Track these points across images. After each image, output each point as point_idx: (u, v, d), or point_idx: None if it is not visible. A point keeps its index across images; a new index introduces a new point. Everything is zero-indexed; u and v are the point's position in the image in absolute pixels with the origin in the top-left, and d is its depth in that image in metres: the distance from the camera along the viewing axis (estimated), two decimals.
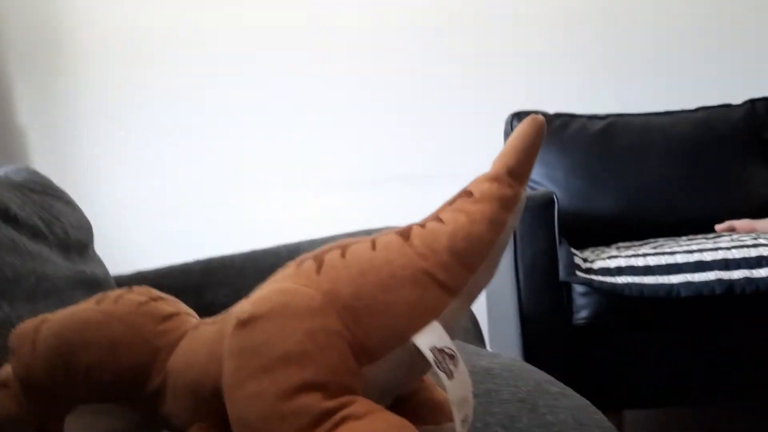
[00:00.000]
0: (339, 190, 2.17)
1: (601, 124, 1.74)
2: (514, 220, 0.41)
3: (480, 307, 1.72)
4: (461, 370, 0.38)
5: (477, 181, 0.42)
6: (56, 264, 0.89)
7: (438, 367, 0.37)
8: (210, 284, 1.29)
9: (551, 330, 1.29)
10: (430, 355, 0.37)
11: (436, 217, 0.42)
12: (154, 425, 0.46)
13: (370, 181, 2.16)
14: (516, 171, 0.41)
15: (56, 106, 2.24)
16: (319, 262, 0.41)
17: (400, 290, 0.39)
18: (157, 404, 0.44)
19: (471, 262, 0.40)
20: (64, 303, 0.86)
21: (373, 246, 0.41)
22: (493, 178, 0.41)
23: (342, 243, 0.42)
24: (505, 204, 0.40)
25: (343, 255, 0.41)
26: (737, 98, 1.82)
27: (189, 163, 2.22)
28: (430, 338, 0.38)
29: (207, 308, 1.43)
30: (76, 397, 0.45)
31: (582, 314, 1.27)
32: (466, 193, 0.42)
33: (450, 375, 0.37)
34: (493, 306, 1.62)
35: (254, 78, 2.21)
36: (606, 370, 1.29)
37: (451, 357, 0.38)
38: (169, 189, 2.22)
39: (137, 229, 2.20)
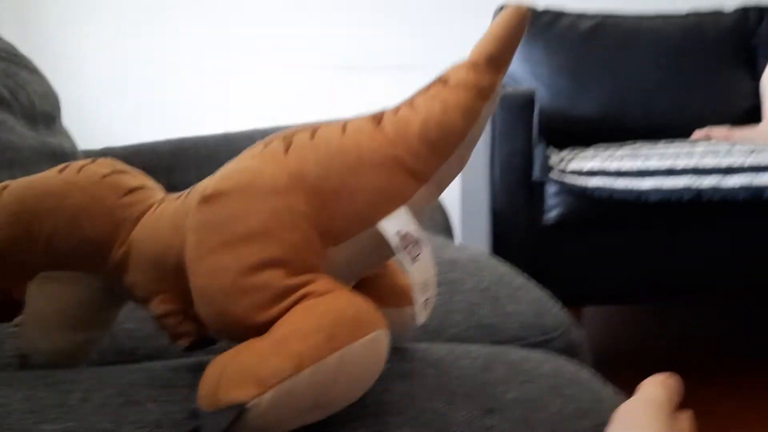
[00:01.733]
0: (320, 75, 2.12)
1: (589, 23, 1.70)
2: (489, 110, 0.40)
3: (452, 202, 1.73)
4: (425, 255, 0.38)
5: (454, 68, 0.40)
6: (21, 133, 0.87)
7: (402, 251, 0.37)
8: (180, 165, 1.27)
9: (521, 227, 1.31)
10: (394, 239, 0.37)
11: (410, 104, 0.41)
12: (118, 295, 0.46)
13: (353, 67, 2.11)
14: (495, 59, 0.39)
15: None
16: (287, 143, 0.40)
17: (368, 174, 0.38)
18: (120, 275, 0.44)
19: (442, 150, 0.39)
20: (28, 173, 0.85)
21: (344, 130, 0.40)
22: (471, 65, 0.40)
23: (312, 126, 0.41)
24: (481, 92, 0.39)
25: (312, 137, 0.40)
26: (730, 4, 1.78)
27: (167, 37, 2.13)
28: (396, 223, 0.38)
29: (178, 187, 1.42)
30: (38, 264, 0.44)
31: (552, 213, 1.28)
32: (441, 80, 0.40)
33: (414, 258, 0.38)
34: (466, 201, 1.63)
35: None
36: (571, 268, 1.33)
37: (416, 243, 0.38)
38: (143, 64, 2.15)
39: (108, 104, 2.15)
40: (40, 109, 0.97)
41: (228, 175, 0.38)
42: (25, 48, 1.14)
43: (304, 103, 2.10)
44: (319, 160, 0.38)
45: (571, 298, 1.34)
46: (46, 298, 0.45)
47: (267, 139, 0.42)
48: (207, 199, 0.37)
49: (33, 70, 1.05)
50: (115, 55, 2.14)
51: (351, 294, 0.36)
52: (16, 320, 0.46)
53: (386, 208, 0.38)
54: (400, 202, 0.39)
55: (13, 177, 0.78)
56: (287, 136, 0.41)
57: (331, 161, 0.38)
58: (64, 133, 1.08)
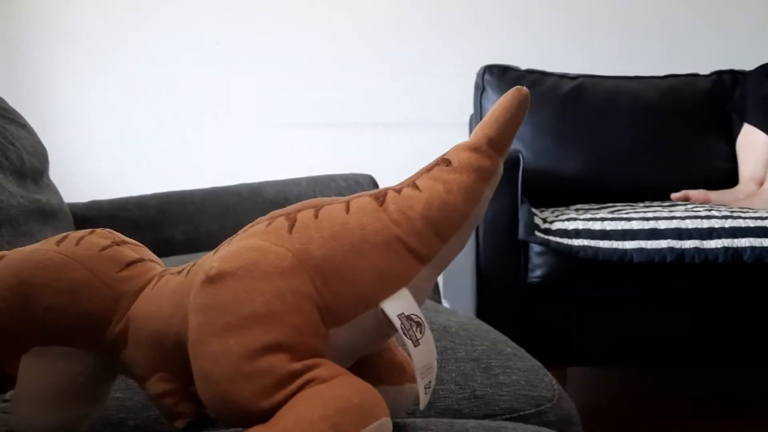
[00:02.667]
0: (305, 132, 2.14)
1: (571, 84, 1.75)
2: (490, 192, 0.41)
3: None
4: (427, 338, 0.38)
5: (456, 150, 0.41)
6: (10, 192, 0.87)
7: (404, 334, 0.37)
8: (168, 219, 1.26)
9: (506, 286, 1.31)
10: (397, 322, 0.37)
11: (413, 183, 0.41)
12: (114, 372, 0.46)
13: (338, 125, 2.14)
14: (496, 142, 0.40)
15: (12, 25, 2.13)
16: (292, 221, 0.40)
17: (371, 255, 0.38)
18: (117, 351, 0.43)
19: (444, 231, 0.40)
20: (18, 232, 0.84)
21: (347, 208, 0.41)
22: (473, 147, 0.40)
23: (315, 203, 0.42)
24: (483, 175, 0.40)
25: (316, 215, 0.40)
26: (707, 68, 1.84)
27: (153, 93, 2.15)
28: (398, 305, 0.38)
29: (165, 243, 1.41)
30: (33, 339, 0.44)
31: (537, 273, 1.29)
32: (444, 161, 0.41)
33: (416, 342, 0.38)
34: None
35: (229, 13, 2.13)
36: (556, 328, 1.34)
37: (418, 324, 0.38)
38: (130, 118, 2.16)
39: (94, 158, 2.14)
40: (29, 165, 0.97)
41: (232, 254, 0.38)
42: (12, 99, 1.14)
43: (288, 158, 2.11)
44: (324, 239, 0.38)
45: (555, 358, 1.34)
46: (40, 373, 0.44)
47: (270, 215, 0.42)
48: (212, 280, 0.37)
49: (22, 125, 1.05)
50: (104, 107, 2.15)
51: (355, 380, 0.35)
52: (8, 395, 0.45)
53: (389, 289, 0.39)
54: (403, 283, 0.39)
55: (2, 235, 0.77)
56: (291, 214, 0.41)
57: (336, 241, 0.38)
58: (52, 188, 1.07)
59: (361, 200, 0.41)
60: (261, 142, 2.14)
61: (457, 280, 1.53)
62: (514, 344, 0.72)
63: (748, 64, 1.80)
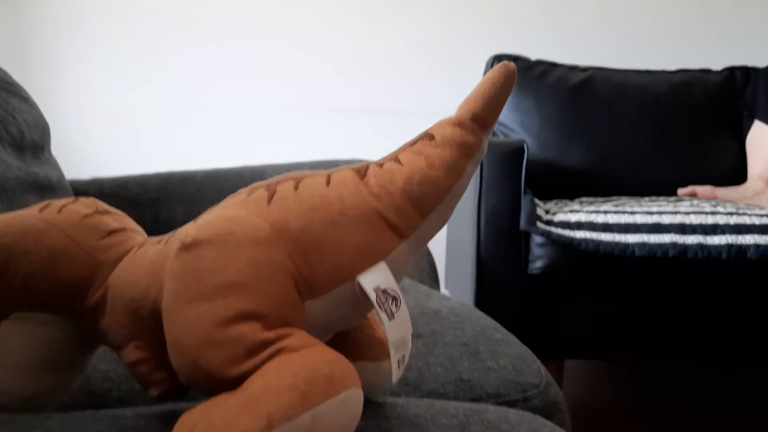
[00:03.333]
0: (313, 117, 2.14)
1: (581, 76, 1.73)
2: (472, 168, 0.41)
3: (439, 248, 1.74)
4: (402, 313, 0.38)
5: (440, 125, 0.41)
6: (8, 164, 0.87)
7: (380, 307, 0.37)
8: (167, 199, 1.26)
9: (505, 277, 1.31)
10: (372, 295, 0.37)
11: (395, 158, 0.41)
12: (91, 339, 0.46)
13: (346, 111, 2.13)
14: (481, 117, 0.40)
15: (19, 5, 2.13)
16: (271, 192, 0.40)
17: (349, 228, 0.38)
18: (96, 319, 0.43)
19: (425, 206, 0.39)
20: (13, 204, 0.84)
21: (328, 181, 0.40)
22: (457, 122, 0.40)
23: (296, 175, 0.41)
24: (466, 150, 0.40)
25: (296, 187, 0.40)
26: (719, 64, 1.82)
27: (157, 75, 2.15)
28: (375, 278, 0.38)
29: (165, 222, 1.41)
30: (12, 304, 0.44)
31: (537, 264, 1.29)
32: (427, 136, 0.41)
33: (391, 316, 0.37)
34: (452, 248, 1.63)
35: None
36: (554, 320, 1.33)
37: (394, 299, 0.38)
38: (135, 96, 2.16)
39: (98, 134, 2.15)
40: (29, 138, 0.97)
41: (209, 223, 0.38)
42: (17, 75, 1.14)
43: (296, 143, 2.11)
44: (303, 211, 0.38)
45: (553, 350, 1.33)
46: (19, 339, 0.44)
47: (250, 187, 0.42)
48: (187, 247, 0.37)
49: (24, 98, 1.05)
50: (108, 85, 2.15)
51: (326, 350, 0.35)
52: None
53: (366, 262, 0.38)
54: (380, 258, 0.39)
55: None
56: (271, 185, 0.41)
57: (314, 213, 0.38)
58: (52, 163, 1.07)
59: (343, 173, 0.41)
60: (266, 127, 2.14)
61: (457, 269, 1.52)
62: (504, 331, 0.71)
63: (762, 60, 1.77)
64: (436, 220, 0.40)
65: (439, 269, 1.32)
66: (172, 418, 0.41)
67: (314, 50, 2.13)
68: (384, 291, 0.38)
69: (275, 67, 2.15)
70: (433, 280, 1.26)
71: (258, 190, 0.40)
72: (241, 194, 0.41)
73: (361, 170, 0.41)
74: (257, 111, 2.15)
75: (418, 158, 0.40)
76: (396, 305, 0.38)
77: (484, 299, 1.31)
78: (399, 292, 0.38)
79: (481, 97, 0.40)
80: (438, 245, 1.69)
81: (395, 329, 0.38)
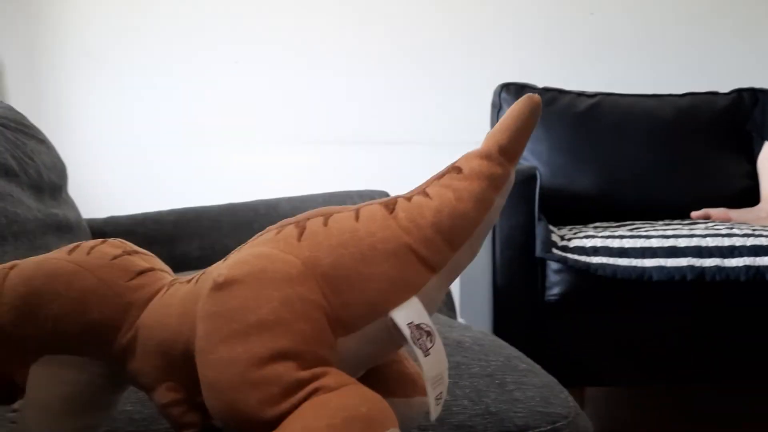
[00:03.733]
0: (323, 149, 2.15)
1: (588, 102, 1.74)
2: (501, 200, 0.41)
3: None
4: (438, 348, 0.38)
5: (467, 157, 0.41)
6: (28, 205, 0.87)
7: (414, 343, 0.37)
8: (184, 235, 1.27)
9: (522, 304, 1.30)
10: (407, 331, 0.37)
11: (423, 191, 0.41)
12: (121, 381, 0.45)
13: (355, 142, 2.14)
14: (507, 150, 0.40)
15: (36, 43, 2.17)
16: (301, 229, 0.40)
17: (381, 263, 0.38)
18: (125, 360, 0.43)
19: (455, 239, 0.39)
20: (33, 246, 0.85)
21: (357, 216, 0.40)
22: (484, 155, 0.40)
23: (325, 211, 0.42)
24: (494, 183, 0.40)
25: (325, 223, 0.40)
26: (726, 86, 1.82)
27: (171, 111, 2.17)
28: (408, 314, 0.38)
29: (180, 258, 1.42)
30: (43, 347, 0.44)
31: (554, 291, 1.28)
32: (455, 169, 0.41)
33: (426, 352, 0.37)
34: (467, 276, 1.63)
35: (246, 33, 2.16)
36: (573, 347, 1.31)
37: (428, 334, 0.38)
38: (148, 136, 2.18)
39: (113, 174, 2.17)
40: (47, 179, 0.98)
41: (241, 262, 0.38)
42: (32, 116, 1.16)
43: (307, 175, 2.12)
44: (333, 247, 0.38)
45: (573, 377, 1.32)
46: (49, 382, 0.44)
47: (279, 224, 0.42)
48: (220, 287, 0.37)
49: (42, 141, 1.06)
50: (121, 124, 2.17)
51: (363, 389, 0.35)
52: (15, 405, 0.45)
53: (398, 297, 0.38)
54: (412, 292, 0.38)
55: (18, 249, 0.78)
56: (300, 222, 0.41)
57: (345, 249, 0.38)
58: (70, 203, 1.08)
59: (371, 208, 0.41)
60: (277, 160, 2.15)
61: (473, 298, 1.51)
62: (529, 360, 0.70)
63: None
64: (467, 253, 0.40)
65: (453, 298, 1.31)
66: None
67: (324, 83, 2.15)
68: (418, 326, 0.38)
69: (284, 100, 2.16)
70: (449, 309, 1.25)
71: (287, 227, 0.40)
72: (271, 231, 0.41)
73: (390, 204, 0.41)
74: (267, 143, 2.16)
75: (447, 191, 0.40)
76: (431, 340, 0.38)
77: (502, 328, 1.30)
78: (433, 327, 0.38)
79: (507, 129, 0.40)
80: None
81: (431, 365, 0.37)
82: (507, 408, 0.60)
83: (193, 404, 0.40)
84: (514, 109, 0.40)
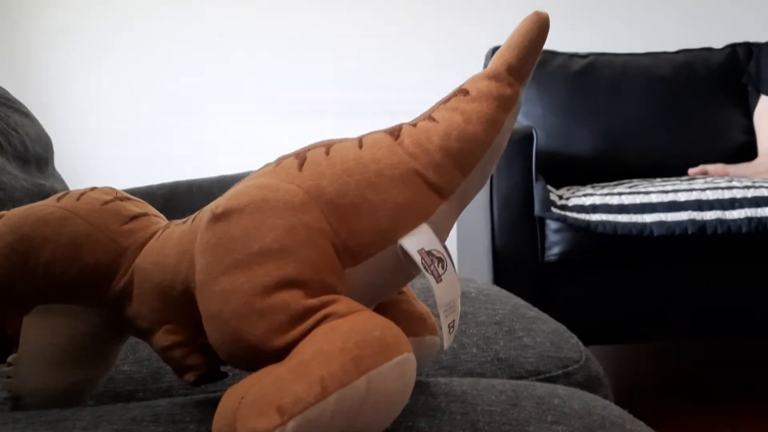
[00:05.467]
0: (313, 120, 2.12)
1: (582, 62, 1.72)
2: (511, 122, 0.39)
3: (450, 240, 1.72)
4: (450, 274, 0.36)
5: (474, 79, 0.39)
6: (14, 174, 0.85)
7: (426, 270, 0.35)
8: (175, 209, 1.24)
9: (522, 265, 1.29)
10: (417, 258, 0.35)
11: (429, 116, 0.39)
12: (118, 330, 0.43)
13: (345, 113, 2.12)
14: (516, 69, 0.38)
15: (16, 16, 2.12)
16: (302, 160, 0.38)
17: (388, 190, 0.36)
18: (122, 306, 0.41)
19: (464, 163, 0.37)
20: None
21: (360, 144, 0.38)
22: (492, 75, 0.38)
23: (326, 142, 0.40)
24: (503, 104, 0.38)
25: (327, 153, 0.38)
26: (720, 42, 1.81)
27: (156, 85, 2.14)
28: (418, 240, 0.36)
29: None
30: (35, 296, 0.42)
31: (554, 251, 1.26)
32: (461, 91, 0.39)
33: (438, 278, 0.35)
34: (464, 239, 1.61)
35: (231, 5, 2.12)
36: (574, 306, 1.31)
37: (440, 260, 0.36)
38: (134, 109, 2.15)
39: (100, 149, 2.13)
40: (32, 151, 0.95)
41: (240, 192, 0.36)
42: (16, 92, 1.13)
43: (297, 145, 2.09)
44: (337, 175, 0.36)
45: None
46: (43, 332, 0.42)
47: (278, 158, 0.40)
48: (218, 218, 0.35)
49: (25, 114, 1.03)
50: (108, 99, 2.14)
51: (375, 315, 0.33)
52: (10, 358, 0.43)
53: (407, 224, 0.36)
54: (422, 219, 0.37)
55: None
56: (300, 154, 0.39)
57: (350, 177, 0.36)
58: (57, 177, 1.06)
59: (375, 135, 0.39)
60: (268, 131, 2.12)
61: (471, 259, 1.50)
62: (536, 309, 0.69)
63: (763, 35, 1.76)
64: (477, 178, 0.38)
65: (453, 260, 1.30)
66: (208, 404, 0.39)
67: (311, 54, 2.12)
68: (429, 253, 0.36)
69: (276, 70, 2.13)
70: None
71: (287, 159, 0.39)
72: (269, 165, 0.39)
73: (395, 131, 0.39)
74: (259, 114, 2.13)
75: (454, 114, 0.38)
76: (443, 267, 0.36)
77: (502, 288, 1.29)
78: (445, 253, 0.36)
79: (515, 47, 0.38)
80: (450, 237, 1.67)
81: (444, 292, 0.36)
82: (517, 354, 0.59)
83: (196, 346, 0.38)
84: (521, 27, 0.38)
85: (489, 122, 0.38)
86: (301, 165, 0.37)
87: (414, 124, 0.39)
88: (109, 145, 2.13)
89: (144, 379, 0.56)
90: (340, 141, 0.39)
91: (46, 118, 1.34)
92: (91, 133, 2.12)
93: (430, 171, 0.37)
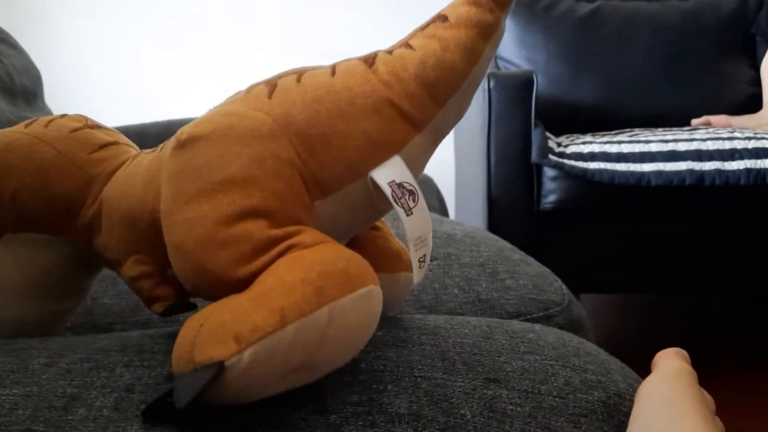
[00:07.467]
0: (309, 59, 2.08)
1: (588, 7, 1.67)
2: (491, 51, 0.37)
3: (447, 186, 1.70)
4: (421, 207, 0.35)
5: (453, 5, 0.37)
6: None
7: (396, 202, 0.34)
8: None
9: (518, 212, 1.28)
10: (388, 190, 0.34)
11: (406, 43, 0.37)
12: (89, 262, 0.43)
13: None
14: None
15: None
16: (272, 87, 0.36)
17: (359, 120, 0.35)
18: (90, 236, 0.40)
19: (440, 93, 0.36)
20: None
21: (333, 72, 0.37)
22: (472, 1, 0.36)
23: (298, 69, 0.38)
24: (483, 31, 0.36)
25: (298, 80, 0.36)
26: None
27: (149, 22, 2.09)
28: (389, 172, 0.35)
29: None
30: (2, 225, 0.41)
31: (550, 198, 1.25)
32: (440, 18, 0.37)
33: (408, 211, 0.34)
34: (461, 185, 1.60)
35: None
36: (569, 255, 1.30)
37: (411, 193, 0.35)
38: (127, 47, 2.11)
39: (92, 87, 2.11)
40: (19, 83, 0.93)
41: (206, 119, 0.35)
42: (5, 24, 1.10)
43: None
44: (307, 103, 0.35)
45: (569, 285, 1.31)
46: (12, 263, 0.42)
47: (249, 85, 0.39)
48: (183, 145, 0.34)
49: (12, 45, 1.01)
50: (101, 36, 2.10)
51: (340, 247, 0.32)
52: None
53: (379, 156, 0.35)
54: (394, 151, 0.35)
55: None
56: (271, 81, 0.37)
57: (320, 105, 0.35)
58: (46, 111, 1.04)
59: (349, 63, 0.37)
60: (265, 72, 2.09)
61: (467, 206, 1.49)
62: (522, 252, 0.68)
63: None
64: (453, 109, 0.37)
65: (447, 206, 1.29)
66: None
67: (307, 34, 2.07)
68: (400, 185, 0.35)
69: (267, 16, 2.09)
70: (443, 216, 1.23)
71: (257, 86, 0.37)
72: (239, 93, 0.38)
73: (369, 59, 0.37)
74: (251, 59, 2.10)
75: (431, 41, 0.36)
76: (413, 200, 0.35)
77: (497, 235, 1.28)
78: (416, 186, 0.35)
79: None
80: (446, 182, 1.65)
81: (414, 225, 0.35)
82: (498, 296, 0.59)
83: (164, 277, 0.38)
84: None
85: (467, 51, 0.36)
86: (271, 92, 0.36)
87: (390, 51, 0.37)
88: (102, 82, 2.10)
89: (123, 311, 0.56)
90: (313, 68, 0.38)
91: (39, 54, 1.32)
92: (84, 69, 2.09)
93: (404, 101, 0.35)
